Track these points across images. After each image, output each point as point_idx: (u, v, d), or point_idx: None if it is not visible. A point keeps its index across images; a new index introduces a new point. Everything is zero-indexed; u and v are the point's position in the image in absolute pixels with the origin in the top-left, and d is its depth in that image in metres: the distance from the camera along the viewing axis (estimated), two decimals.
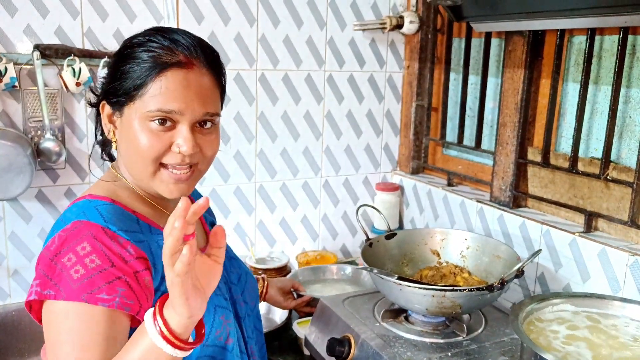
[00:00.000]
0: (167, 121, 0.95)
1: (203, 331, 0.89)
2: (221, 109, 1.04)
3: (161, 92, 0.93)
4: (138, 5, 1.82)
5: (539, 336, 1.10)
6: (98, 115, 1.07)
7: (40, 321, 0.94)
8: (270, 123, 2.04)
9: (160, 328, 0.81)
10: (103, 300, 0.87)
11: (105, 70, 1.05)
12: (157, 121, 0.94)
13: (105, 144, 1.12)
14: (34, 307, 0.94)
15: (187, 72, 0.95)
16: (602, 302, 1.22)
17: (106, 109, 1.02)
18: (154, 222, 1.03)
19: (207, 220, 1.28)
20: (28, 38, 1.70)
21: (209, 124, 0.99)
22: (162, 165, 0.97)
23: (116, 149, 1.05)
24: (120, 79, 0.97)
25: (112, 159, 1.16)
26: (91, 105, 1.08)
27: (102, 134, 1.10)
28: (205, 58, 0.98)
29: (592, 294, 1.27)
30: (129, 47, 0.99)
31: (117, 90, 0.98)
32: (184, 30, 1.02)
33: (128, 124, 0.97)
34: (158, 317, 0.82)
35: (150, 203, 1.06)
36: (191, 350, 0.85)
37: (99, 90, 1.05)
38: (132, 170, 1.02)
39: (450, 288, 1.34)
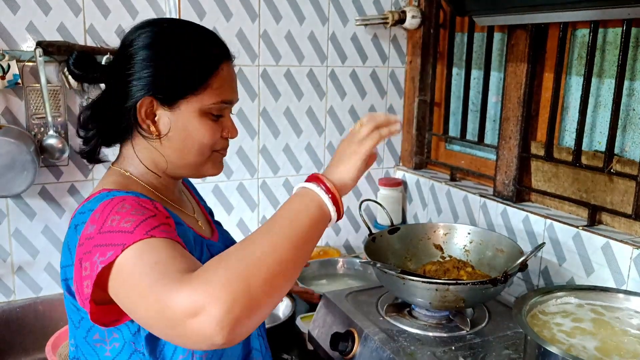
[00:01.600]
0: (219, 115, 1.03)
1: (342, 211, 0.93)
2: None
3: (222, 85, 1.01)
4: (140, 1, 1.82)
5: (542, 329, 1.10)
6: (114, 110, 1.01)
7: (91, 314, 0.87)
8: (272, 119, 2.04)
9: (327, 185, 0.90)
10: (165, 235, 0.84)
11: (142, 65, 0.98)
12: (212, 115, 1.01)
13: (107, 139, 1.07)
14: (96, 296, 0.85)
15: (230, 64, 1.04)
16: (606, 295, 1.22)
17: (147, 103, 0.98)
18: None
19: (207, 209, 1.29)
20: (31, 35, 1.70)
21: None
22: (214, 151, 1.05)
23: (156, 141, 1.01)
24: (178, 73, 0.97)
25: (94, 158, 1.11)
26: (104, 100, 1.03)
27: (111, 128, 1.04)
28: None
29: (596, 286, 1.26)
30: (177, 42, 0.99)
31: (173, 85, 0.97)
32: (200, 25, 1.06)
33: (186, 118, 0.99)
34: (325, 180, 0.91)
35: (160, 197, 1.06)
36: (334, 222, 0.92)
37: (135, 87, 0.98)
38: (183, 159, 1.02)
39: (454, 282, 1.34)
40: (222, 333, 0.72)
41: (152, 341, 0.95)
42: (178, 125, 0.99)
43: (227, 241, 1.21)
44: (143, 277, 0.78)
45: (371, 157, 0.98)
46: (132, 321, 0.92)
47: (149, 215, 0.87)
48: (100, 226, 0.85)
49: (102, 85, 1.08)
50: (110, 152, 1.13)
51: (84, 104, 1.09)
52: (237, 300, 0.73)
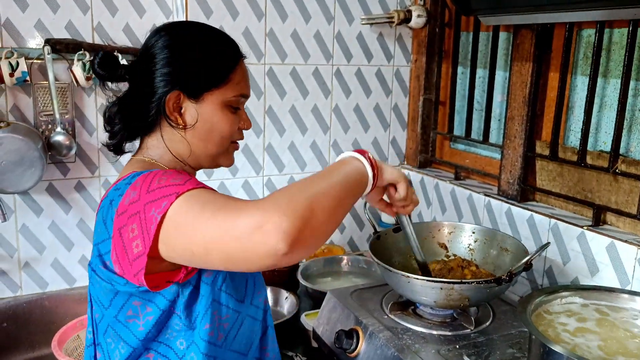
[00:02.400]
0: (237, 108, 1.11)
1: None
2: None
3: (241, 80, 1.10)
4: (147, 0, 1.83)
5: (547, 328, 1.11)
6: (141, 104, 1.07)
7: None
8: (278, 117, 2.05)
9: (369, 156, 1.06)
10: (211, 189, 0.94)
11: (167, 62, 1.06)
12: (231, 107, 1.09)
13: (134, 132, 1.12)
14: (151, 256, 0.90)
15: (243, 61, 1.12)
16: (611, 295, 1.22)
17: (174, 97, 1.05)
18: None
19: None
20: (39, 33, 1.71)
21: None
22: (232, 142, 1.14)
23: (182, 132, 1.08)
24: (204, 68, 1.05)
25: (119, 149, 1.16)
26: (133, 95, 1.09)
27: (139, 121, 1.09)
28: None
29: (601, 286, 1.27)
30: (204, 41, 1.08)
31: (199, 78, 1.05)
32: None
33: (210, 110, 1.07)
34: (372, 158, 1.07)
35: None
36: (366, 191, 1.07)
37: (162, 82, 1.05)
38: (205, 149, 1.10)
39: (459, 281, 1.34)
40: (286, 241, 0.80)
41: (189, 306, 1.00)
42: (203, 117, 1.07)
43: None
44: (202, 213, 0.86)
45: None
46: (169, 288, 0.97)
47: (187, 177, 0.95)
48: (147, 187, 0.92)
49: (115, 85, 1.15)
50: (129, 146, 1.18)
51: (107, 101, 1.13)
52: (301, 216, 0.83)
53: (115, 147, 1.14)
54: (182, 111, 1.07)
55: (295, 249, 0.82)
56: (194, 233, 0.86)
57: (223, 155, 1.14)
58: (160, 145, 1.09)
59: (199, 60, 1.06)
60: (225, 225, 0.83)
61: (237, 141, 1.16)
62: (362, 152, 1.07)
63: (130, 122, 1.10)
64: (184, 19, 1.83)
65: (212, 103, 1.07)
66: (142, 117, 1.08)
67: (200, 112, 1.07)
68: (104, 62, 1.07)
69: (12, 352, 1.78)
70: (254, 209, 0.83)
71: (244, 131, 1.16)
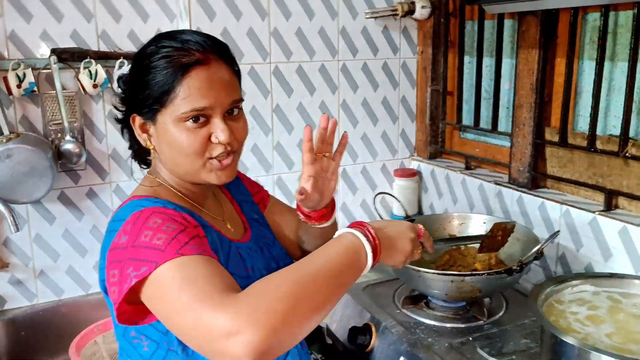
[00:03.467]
0: (199, 118, 1.00)
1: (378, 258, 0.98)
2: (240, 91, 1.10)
3: (190, 93, 0.98)
4: (151, 5, 1.84)
5: (559, 318, 1.10)
6: (128, 129, 1.10)
7: (124, 321, 0.95)
8: (286, 115, 2.05)
9: (370, 232, 0.96)
10: (195, 250, 0.89)
11: (122, 84, 1.09)
12: (191, 120, 0.99)
13: (139, 153, 1.16)
14: (128, 298, 0.91)
15: (207, 68, 1.00)
16: (623, 282, 1.21)
17: (137, 121, 1.05)
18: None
19: (248, 216, 1.26)
20: (45, 43, 1.73)
21: (235, 111, 1.05)
22: (209, 158, 1.03)
23: (153, 155, 1.09)
24: (146, 89, 1.00)
25: (147, 164, 1.18)
26: (119, 121, 1.11)
27: (135, 144, 1.13)
28: (217, 50, 1.03)
29: (613, 273, 1.26)
30: (145, 57, 1.02)
31: (145, 100, 1.01)
32: (189, 30, 1.07)
33: (164, 129, 1.01)
34: (369, 227, 0.97)
35: (189, 202, 1.09)
36: (367, 269, 0.96)
37: (122, 106, 1.08)
38: (178, 170, 1.06)
39: (469, 273, 1.34)
40: (252, 356, 0.77)
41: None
42: (161, 137, 1.03)
43: (260, 240, 1.21)
44: (181, 295, 0.83)
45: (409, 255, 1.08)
46: (157, 322, 0.96)
47: (179, 230, 0.91)
48: (134, 240, 0.91)
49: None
50: None
51: (110, 115, 1.18)
52: (276, 330, 0.78)
53: (140, 162, 1.18)
54: (149, 133, 1.06)
55: None
56: (170, 313, 0.86)
57: (203, 172, 1.04)
58: (159, 164, 1.10)
59: (140, 82, 1.02)
60: (199, 323, 0.81)
61: (220, 157, 1.03)
62: (360, 225, 0.98)
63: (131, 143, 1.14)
64: (188, 23, 1.84)
65: (164, 122, 1.01)
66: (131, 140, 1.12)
67: (158, 133, 1.03)
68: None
69: (31, 359, 1.81)
70: (228, 313, 0.79)
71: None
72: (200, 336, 0.81)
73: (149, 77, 1.00)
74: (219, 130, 1.01)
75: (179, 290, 0.84)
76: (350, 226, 0.98)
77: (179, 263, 0.86)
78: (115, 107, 1.11)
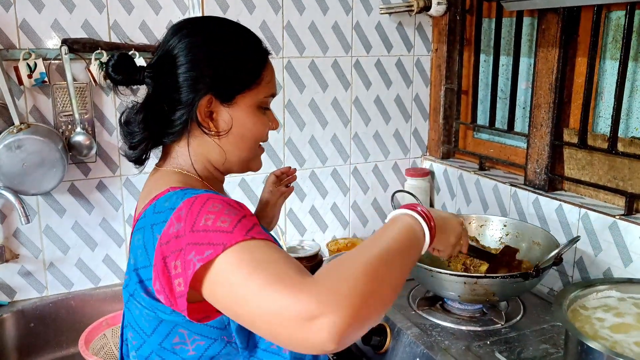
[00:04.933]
0: (267, 108, 1.06)
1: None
2: None
3: (271, 79, 1.05)
4: None
5: (584, 324, 1.07)
6: (153, 110, 1.00)
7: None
8: (297, 111, 2.02)
9: (425, 213, 0.96)
10: (264, 235, 0.84)
11: (194, 65, 0.98)
12: (263, 109, 1.04)
13: (162, 137, 1.04)
14: (192, 286, 0.83)
15: (270, 60, 1.06)
16: None
17: (205, 102, 0.98)
18: None
19: None
20: (56, 33, 1.70)
21: None
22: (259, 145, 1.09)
23: (213, 138, 1.01)
24: (235, 70, 0.99)
25: (140, 162, 1.09)
26: (173, 103, 1.00)
27: (159, 129, 1.02)
28: None
29: (638, 279, 1.22)
30: (230, 39, 1.01)
31: (231, 82, 0.99)
32: None
33: (242, 113, 1.01)
34: (423, 208, 0.97)
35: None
36: (425, 248, 0.95)
37: (191, 87, 0.98)
38: (235, 156, 1.04)
39: (482, 275, 1.31)
40: (337, 340, 0.72)
41: (243, 330, 0.93)
42: (238, 121, 1.01)
43: None
44: (253, 277, 0.77)
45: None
46: (219, 317, 0.91)
47: (241, 215, 0.85)
48: (192, 224, 0.84)
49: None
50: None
51: (121, 107, 1.07)
52: (359, 312, 0.74)
53: (138, 158, 1.07)
54: (214, 116, 1.00)
55: (342, 346, 0.74)
56: (240, 299, 0.78)
57: (253, 160, 1.09)
58: (189, 153, 1.02)
59: (229, 61, 0.99)
60: (276, 306, 0.74)
61: (265, 142, 1.09)
62: (413, 207, 0.98)
63: (155, 130, 1.02)
64: (200, 15, 1.81)
65: (245, 106, 1.00)
66: (169, 124, 1.00)
67: (235, 117, 1.00)
68: (119, 65, 0.99)
69: (39, 351, 1.79)
70: (310, 295, 0.73)
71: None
72: (277, 321, 0.74)
73: (237, 59, 1.00)
74: (275, 119, 1.08)
75: (252, 273, 0.77)
76: (402, 207, 0.97)
77: (249, 245, 0.80)
78: (152, 84, 1.01)
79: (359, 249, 0.84)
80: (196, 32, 1.00)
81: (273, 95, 1.06)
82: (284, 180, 1.42)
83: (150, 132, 1.02)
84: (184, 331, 0.92)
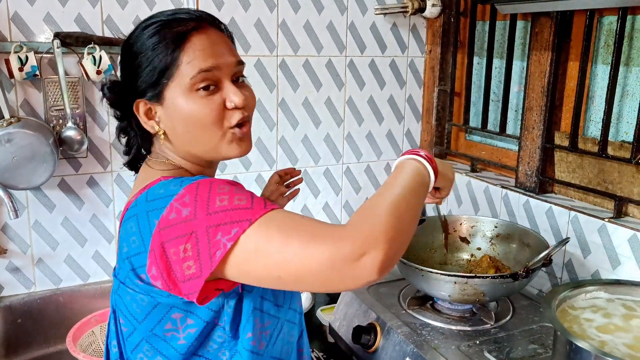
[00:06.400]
0: (209, 86, 0.96)
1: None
2: None
3: (195, 56, 0.95)
4: None
5: (572, 324, 1.08)
6: (129, 121, 1.04)
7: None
8: (291, 110, 2.02)
9: (426, 155, 1.03)
10: (277, 206, 0.89)
11: (123, 73, 1.02)
12: (201, 90, 0.96)
13: (142, 143, 1.08)
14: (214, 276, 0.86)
15: (205, 32, 0.98)
16: (637, 290, 1.19)
17: (142, 107, 0.99)
18: None
19: None
20: (48, 26, 1.69)
21: (241, 79, 1.02)
22: (228, 127, 0.99)
23: (162, 141, 1.02)
24: (146, 68, 0.96)
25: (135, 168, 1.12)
26: (120, 118, 1.05)
27: (137, 141, 1.06)
28: (209, 17, 1.01)
29: (627, 280, 1.23)
30: (134, 43, 0.98)
31: (148, 79, 0.96)
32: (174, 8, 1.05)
33: (174, 104, 0.97)
34: (422, 151, 1.04)
35: None
36: (431, 185, 1.03)
37: (120, 103, 1.03)
38: (196, 148, 1.00)
39: (472, 275, 1.32)
40: (380, 272, 0.82)
41: (234, 316, 0.96)
42: (174, 115, 0.97)
43: None
44: (289, 241, 0.83)
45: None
46: (215, 299, 0.93)
47: (249, 192, 0.90)
48: (206, 207, 0.85)
49: None
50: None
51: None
52: (393, 244, 0.83)
53: (131, 163, 1.10)
54: (157, 119, 0.99)
55: (384, 275, 0.84)
56: (282, 263, 0.83)
57: (223, 145, 0.99)
58: (171, 151, 1.03)
59: (141, 62, 0.97)
60: (324, 257, 0.81)
61: (237, 124, 0.99)
62: (415, 152, 1.05)
63: (130, 137, 1.07)
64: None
65: (174, 96, 0.96)
66: (135, 132, 1.04)
67: (169, 112, 0.97)
68: (111, 88, 1.03)
69: (27, 348, 1.78)
70: (350, 239, 0.81)
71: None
72: (327, 270, 0.81)
73: (149, 53, 0.95)
74: (232, 94, 0.97)
75: (288, 237, 0.83)
76: (406, 153, 1.05)
77: (271, 215, 0.85)
78: (113, 107, 1.05)
79: (379, 195, 0.92)
80: (122, 47, 1.02)
81: (204, 70, 0.95)
82: (286, 181, 1.45)
83: (135, 137, 1.06)
84: (179, 315, 0.93)
